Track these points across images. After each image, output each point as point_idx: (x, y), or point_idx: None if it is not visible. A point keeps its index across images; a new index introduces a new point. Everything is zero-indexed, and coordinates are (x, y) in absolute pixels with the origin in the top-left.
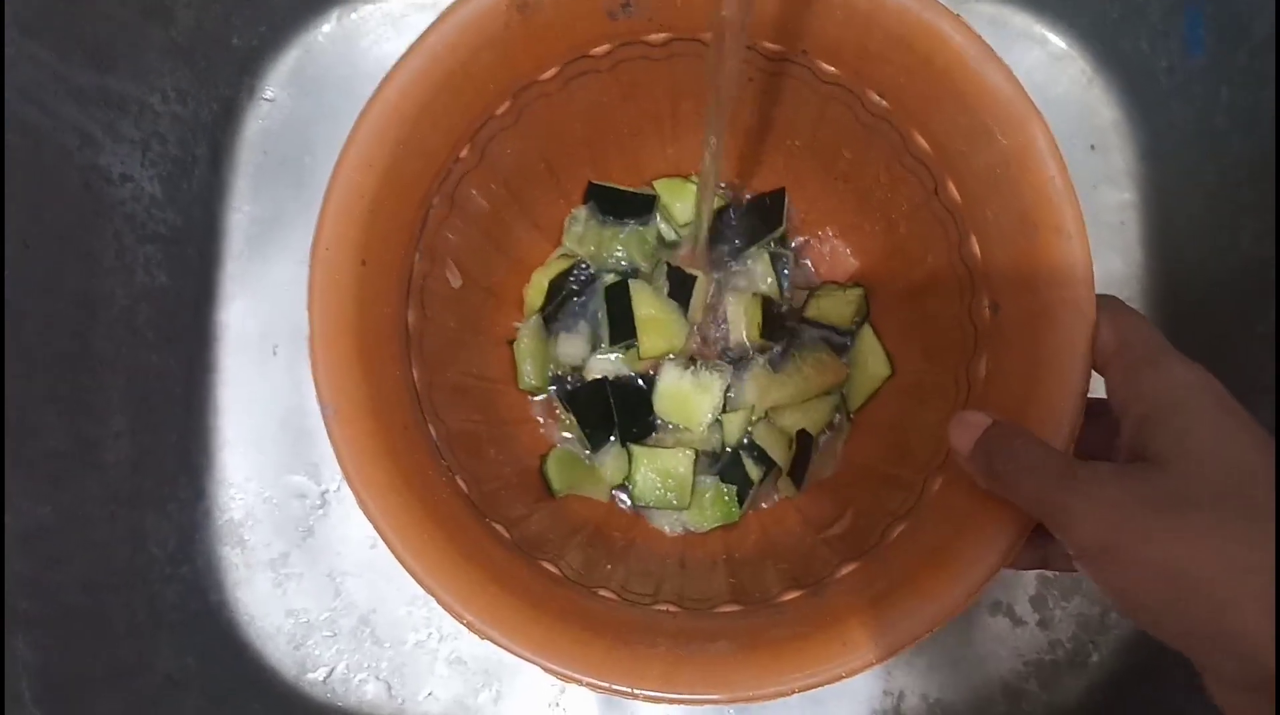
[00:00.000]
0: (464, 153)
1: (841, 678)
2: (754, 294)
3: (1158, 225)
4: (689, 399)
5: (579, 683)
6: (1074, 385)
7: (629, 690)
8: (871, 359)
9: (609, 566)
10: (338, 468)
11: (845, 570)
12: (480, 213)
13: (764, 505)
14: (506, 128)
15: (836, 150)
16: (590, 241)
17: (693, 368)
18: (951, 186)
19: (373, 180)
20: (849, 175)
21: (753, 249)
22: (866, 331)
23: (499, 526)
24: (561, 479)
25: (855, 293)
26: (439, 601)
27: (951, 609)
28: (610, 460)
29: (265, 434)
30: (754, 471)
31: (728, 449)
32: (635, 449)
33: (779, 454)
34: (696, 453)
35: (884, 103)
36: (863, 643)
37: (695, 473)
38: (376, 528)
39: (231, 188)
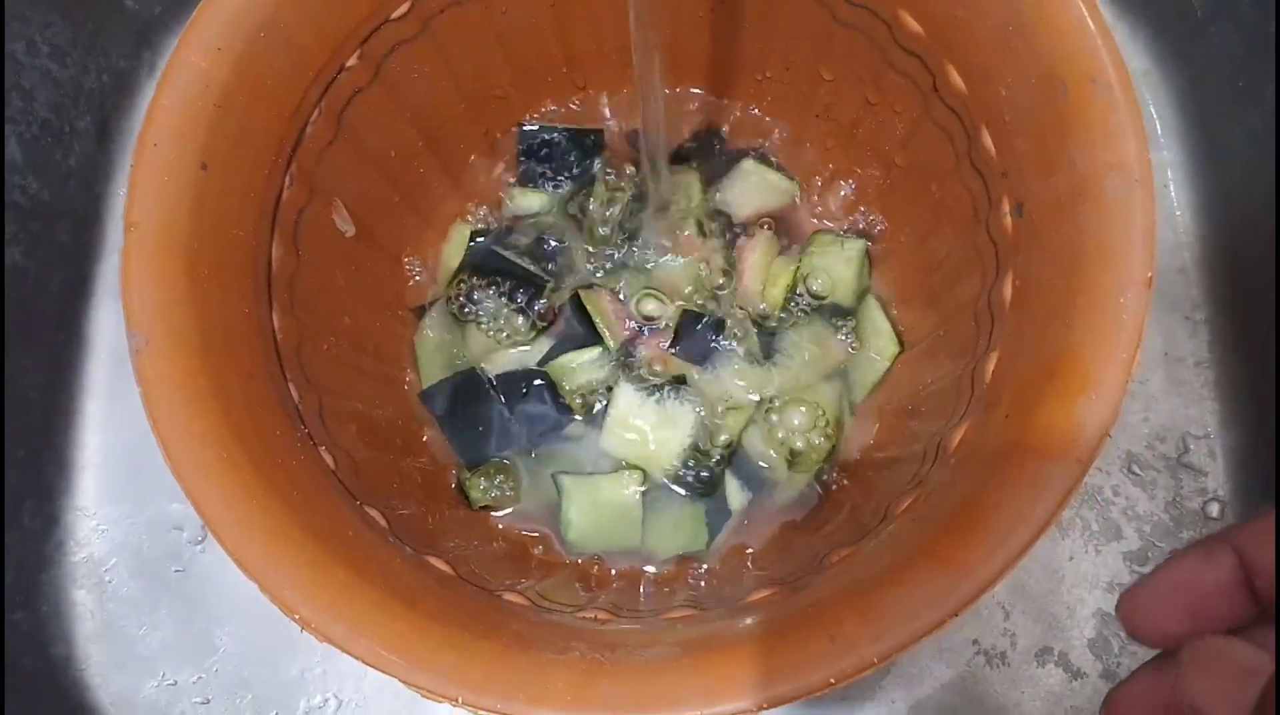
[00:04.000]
0: (351, 61)
1: (831, 685)
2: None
3: (1205, 184)
4: (650, 434)
5: (452, 701)
6: (1132, 269)
7: (523, 710)
8: (875, 337)
9: (524, 578)
10: None
11: (836, 556)
12: (381, 152)
13: (742, 527)
14: (408, 40)
15: (814, 73)
16: None
17: (658, 394)
18: (953, 72)
19: (222, 70)
20: (832, 108)
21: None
22: (869, 304)
23: (373, 512)
24: (484, 492)
25: (856, 246)
26: (261, 586)
27: (985, 581)
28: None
29: (138, 454)
30: (737, 497)
31: (708, 458)
32: (565, 481)
33: (777, 466)
34: (646, 474)
35: None
36: (858, 636)
37: (647, 501)
38: (182, 485)
39: (121, 169)
